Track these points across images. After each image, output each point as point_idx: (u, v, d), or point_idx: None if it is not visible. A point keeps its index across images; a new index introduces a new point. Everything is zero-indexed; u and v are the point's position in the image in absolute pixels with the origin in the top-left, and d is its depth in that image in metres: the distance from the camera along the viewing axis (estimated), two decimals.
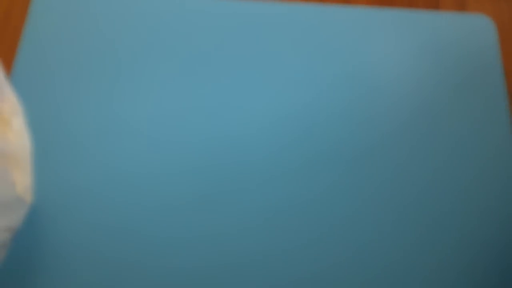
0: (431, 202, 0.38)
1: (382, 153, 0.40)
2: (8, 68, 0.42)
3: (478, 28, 0.45)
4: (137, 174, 0.38)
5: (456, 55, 0.44)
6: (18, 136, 0.32)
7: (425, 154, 0.40)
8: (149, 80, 0.41)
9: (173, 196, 0.38)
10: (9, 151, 0.30)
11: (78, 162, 0.38)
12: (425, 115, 0.41)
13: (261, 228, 0.37)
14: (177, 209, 0.37)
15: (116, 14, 0.44)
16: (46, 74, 0.41)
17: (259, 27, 0.44)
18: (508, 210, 0.38)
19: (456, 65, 0.43)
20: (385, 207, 0.38)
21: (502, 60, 0.45)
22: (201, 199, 0.38)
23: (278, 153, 0.39)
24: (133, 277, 0.35)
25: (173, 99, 0.41)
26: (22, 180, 0.32)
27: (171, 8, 0.44)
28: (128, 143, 0.39)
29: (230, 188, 0.38)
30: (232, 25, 0.44)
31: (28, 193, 0.33)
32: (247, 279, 0.36)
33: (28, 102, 0.40)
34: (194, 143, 0.39)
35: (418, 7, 0.47)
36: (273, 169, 0.39)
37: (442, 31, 0.44)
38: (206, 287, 0.35)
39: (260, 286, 0.35)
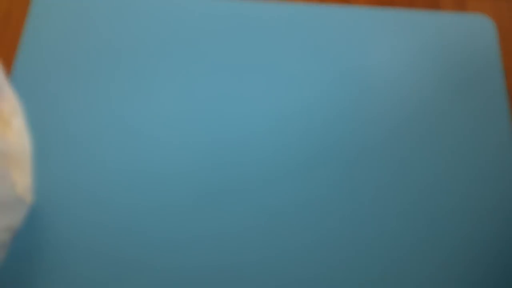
0: (431, 202, 0.38)
1: (382, 153, 0.40)
2: (8, 68, 0.42)
3: (478, 27, 0.45)
4: (137, 174, 0.38)
5: (456, 55, 0.44)
6: (18, 136, 0.32)
7: (426, 154, 0.40)
8: (150, 80, 0.41)
9: (173, 196, 0.38)
10: (9, 151, 0.30)
11: (78, 162, 0.38)
12: (425, 115, 0.41)
13: (261, 228, 0.37)
14: (177, 209, 0.37)
15: (115, 15, 0.44)
16: (46, 74, 0.41)
17: (258, 27, 0.44)
18: (508, 210, 0.38)
19: (456, 64, 0.43)
20: (385, 207, 0.38)
21: (502, 59, 0.45)
22: (200, 199, 0.38)
23: (278, 153, 0.39)
24: (133, 277, 0.35)
25: (173, 99, 0.41)
26: (22, 180, 0.32)
27: (172, 9, 0.44)
28: (128, 143, 0.39)
29: (230, 188, 0.38)
30: (231, 25, 0.44)
31: (28, 193, 0.33)
32: (247, 279, 0.36)
33: (28, 102, 0.40)
34: (193, 143, 0.39)
35: (418, 7, 0.47)
36: (273, 169, 0.39)
37: (442, 31, 0.44)
38: (207, 287, 0.35)
39: (260, 286, 0.35)
